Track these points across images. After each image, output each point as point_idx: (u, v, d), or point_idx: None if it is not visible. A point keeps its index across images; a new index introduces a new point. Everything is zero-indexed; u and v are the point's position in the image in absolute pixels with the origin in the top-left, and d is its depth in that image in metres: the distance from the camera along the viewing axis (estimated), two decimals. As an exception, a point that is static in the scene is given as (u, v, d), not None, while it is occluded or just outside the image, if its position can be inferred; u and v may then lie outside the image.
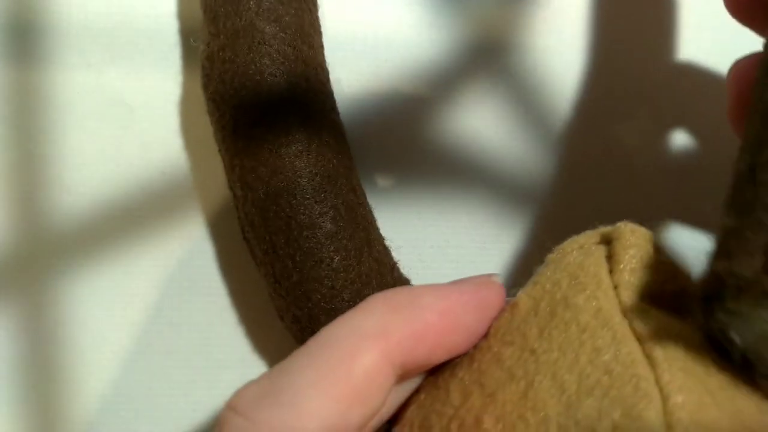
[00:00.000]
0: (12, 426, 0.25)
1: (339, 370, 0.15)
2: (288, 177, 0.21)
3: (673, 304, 0.17)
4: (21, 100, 0.26)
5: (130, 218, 0.26)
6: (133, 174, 0.26)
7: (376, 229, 0.24)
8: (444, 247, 0.27)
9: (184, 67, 0.26)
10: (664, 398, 0.14)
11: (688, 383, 0.14)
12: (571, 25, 0.28)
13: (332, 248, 0.22)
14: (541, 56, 0.27)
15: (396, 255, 0.24)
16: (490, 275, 0.18)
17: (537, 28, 0.27)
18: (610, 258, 0.17)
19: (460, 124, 0.27)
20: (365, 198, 0.24)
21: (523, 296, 0.17)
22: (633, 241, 0.17)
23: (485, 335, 0.17)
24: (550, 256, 0.18)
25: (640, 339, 0.15)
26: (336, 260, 0.22)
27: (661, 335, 0.15)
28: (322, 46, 0.24)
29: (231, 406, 0.15)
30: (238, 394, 0.15)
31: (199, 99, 0.26)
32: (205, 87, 0.23)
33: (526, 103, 0.27)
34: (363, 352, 0.15)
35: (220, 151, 0.23)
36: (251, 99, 0.22)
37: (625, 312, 0.16)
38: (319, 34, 0.24)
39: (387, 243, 0.24)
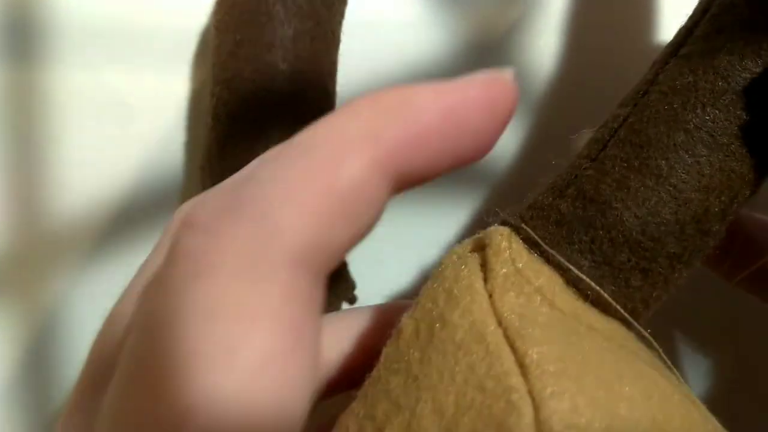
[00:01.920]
0: (11, 426, 0.25)
1: (319, 180, 0.12)
2: None
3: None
4: (20, 99, 0.26)
5: (129, 218, 0.26)
6: (133, 174, 0.26)
7: None
8: (444, 247, 0.27)
9: (184, 66, 0.26)
10: (536, 408, 0.13)
11: (561, 385, 0.14)
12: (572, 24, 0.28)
13: None
14: (541, 56, 0.27)
15: (394, 254, 0.24)
16: (500, 70, 0.15)
17: (537, 27, 0.27)
18: (484, 265, 0.17)
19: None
20: None
21: (405, 319, 0.16)
22: (504, 244, 0.17)
23: (377, 364, 0.16)
24: (432, 270, 0.17)
25: (513, 347, 0.15)
26: None
27: (535, 336, 0.15)
28: (336, 58, 0.24)
29: (186, 222, 0.12)
30: (194, 207, 0.13)
31: (199, 99, 0.26)
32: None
33: (526, 103, 0.27)
34: (348, 158, 0.12)
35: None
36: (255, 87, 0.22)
37: (501, 320, 0.15)
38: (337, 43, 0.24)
39: (385, 242, 0.24)
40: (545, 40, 0.27)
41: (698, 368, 0.27)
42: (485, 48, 0.27)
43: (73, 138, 0.26)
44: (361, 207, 0.13)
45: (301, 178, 0.12)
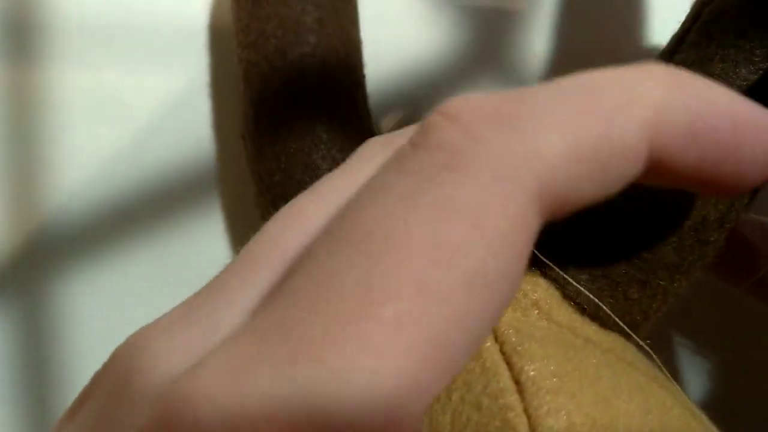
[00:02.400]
0: (10, 427, 0.25)
1: (595, 126, 0.11)
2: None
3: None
4: (18, 99, 0.26)
5: (127, 218, 0.26)
6: (131, 173, 0.26)
7: None
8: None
9: (183, 66, 0.26)
10: (532, 427, 0.13)
11: (558, 403, 0.14)
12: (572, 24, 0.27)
13: (320, 155, 0.21)
14: (540, 56, 0.27)
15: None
16: None
17: (538, 27, 0.27)
18: None
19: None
20: (370, 122, 0.23)
21: None
22: None
23: None
24: None
25: (510, 363, 0.15)
26: (322, 167, 0.21)
27: (531, 352, 0.15)
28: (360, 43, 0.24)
29: (448, 115, 0.12)
30: (460, 103, 0.12)
31: (198, 99, 0.26)
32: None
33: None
34: (629, 117, 0.12)
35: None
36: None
37: (497, 335, 0.15)
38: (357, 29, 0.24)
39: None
40: (545, 40, 0.27)
41: (697, 370, 0.27)
42: (486, 47, 0.27)
43: (72, 137, 0.26)
44: (617, 172, 0.12)
45: (579, 116, 0.12)
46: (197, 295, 0.13)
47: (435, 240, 0.10)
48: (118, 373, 0.12)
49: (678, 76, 0.12)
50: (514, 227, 0.11)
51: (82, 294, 0.26)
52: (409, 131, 0.13)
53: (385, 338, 0.10)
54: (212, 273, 0.26)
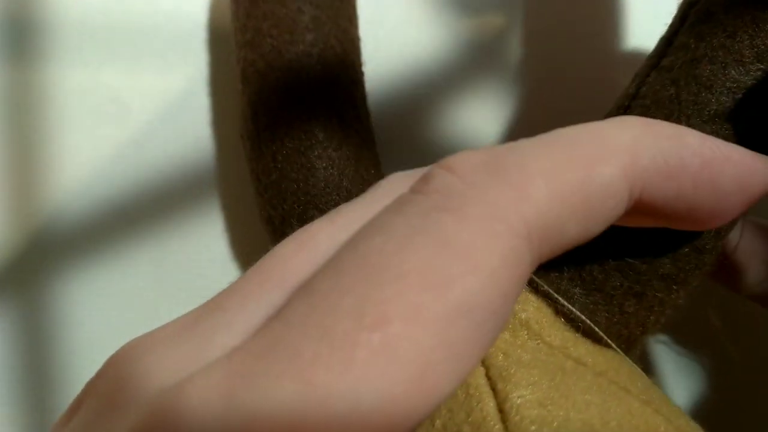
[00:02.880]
0: (10, 427, 0.25)
1: (577, 171, 0.13)
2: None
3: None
4: (17, 98, 0.26)
5: (127, 218, 0.26)
6: (130, 173, 0.26)
7: (371, 154, 0.23)
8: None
9: (182, 65, 0.26)
10: None
11: None
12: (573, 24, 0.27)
13: (316, 154, 0.21)
14: (542, 55, 0.27)
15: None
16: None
17: (539, 26, 0.27)
18: None
19: (461, 123, 0.27)
20: (368, 121, 0.23)
21: None
22: None
23: None
24: None
25: (495, 389, 0.14)
26: (318, 167, 0.21)
27: (518, 378, 0.14)
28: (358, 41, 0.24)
29: (446, 166, 0.13)
30: (456, 156, 0.13)
31: (198, 98, 0.26)
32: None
33: (527, 101, 0.27)
34: (607, 162, 0.13)
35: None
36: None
37: (484, 357, 0.15)
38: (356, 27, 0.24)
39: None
40: (544, 39, 0.27)
41: (696, 372, 0.27)
42: (486, 46, 0.27)
43: (71, 137, 0.26)
44: (600, 213, 0.13)
45: (561, 164, 0.13)
46: (197, 311, 0.13)
47: (427, 271, 0.11)
48: (111, 380, 0.12)
49: (647, 122, 0.14)
50: (503, 264, 0.12)
51: (82, 294, 0.26)
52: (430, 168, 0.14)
53: (372, 362, 0.10)
54: (212, 273, 0.26)
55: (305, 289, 0.12)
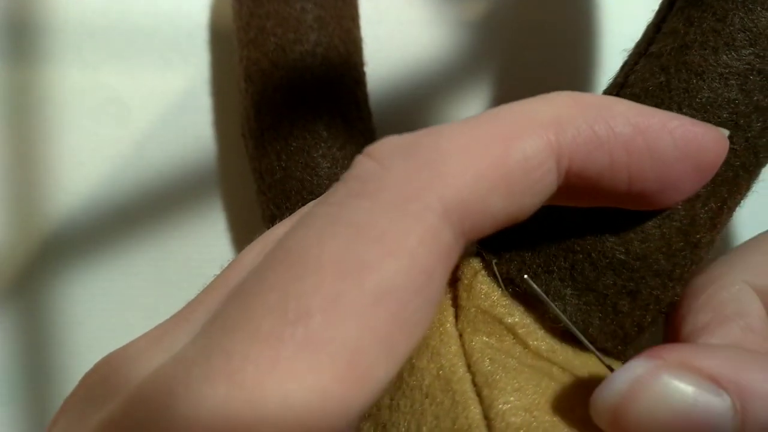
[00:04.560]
0: (10, 427, 0.25)
1: (494, 147, 0.13)
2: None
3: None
4: (17, 98, 0.26)
5: (127, 218, 0.26)
6: (130, 173, 0.26)
7: None
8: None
9: (182, 65, 0.26)
10: None
11: None
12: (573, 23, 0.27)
13: (320, 153, 0.21)
14: (543, 54, 0.27)
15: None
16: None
17: (539, 25, 0.27)
18: (455, 300, 0.16)
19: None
20: (371, 120, 0.23)
21: None
22: (476, 279, 0.16)
23: None
24: None
25: (481, 395, 0.14)
26: (322, 166, 0.21)
27: (504, 384, 0.14)
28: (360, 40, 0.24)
29: (367, 152, 0.13)
30: (378, 142, 0.13)
31: (198, 98, 0.26)
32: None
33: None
34: (528, 135, 0.13)
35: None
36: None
37: (470, 363, 0.15)
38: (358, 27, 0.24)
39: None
40: (548, 37, 0.27)
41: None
42: (487, 46, 0.27)
43: (71, 137, 0.26)
44: (525, 186, 0.13)
45: (478, 140, 0.13)
46: (167, 323, 0.14)
47: (343, 259, 0.11)
48: (96, 378, 0.13)
49: (573, 95, 0.14)
50: (420, 243, 0.12)
51: (82, 294, 0.26)
52: None
53: (298, 357, 0.11)
54: (212, 273, 0.26)
55: (238, 289, 0.12)
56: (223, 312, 0.12)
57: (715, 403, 0.13)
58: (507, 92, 0.27)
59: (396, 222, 0.12)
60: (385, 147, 0.13)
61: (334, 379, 0.11)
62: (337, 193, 0.13)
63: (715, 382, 0.13)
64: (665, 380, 0.13)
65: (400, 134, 0.13)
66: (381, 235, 0.12)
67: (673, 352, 0.14)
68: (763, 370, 0.14)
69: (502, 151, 0.13)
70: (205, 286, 0.14)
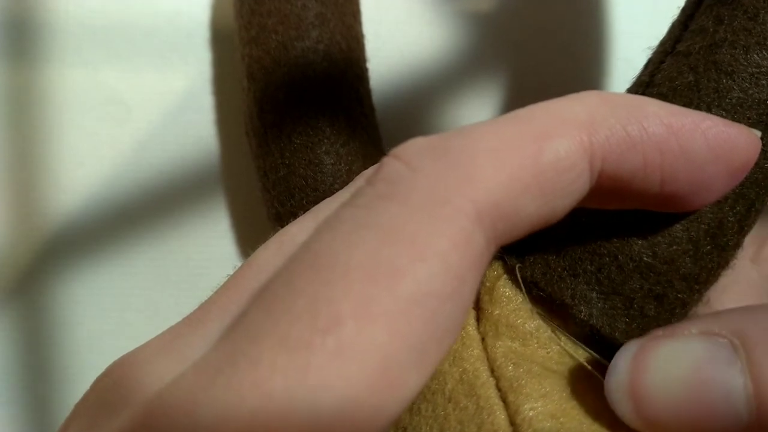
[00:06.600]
0: (10, 426, 0.25)
1: (525, 147, 0.12)
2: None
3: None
4: (17, 98, 0.26)
5: (126, 218, 0.26)
6: (130, 173, 0.26)
7: (377, 150, 0.23)
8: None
9: (182, 65, 0.26)
10: None
11: None
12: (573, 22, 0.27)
13: (323, 149, 0.21)
14: (545, 51, 0.27)
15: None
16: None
17: (539, 25, 0.27)
18: (477, 304, 0.16)
19: (462, 121, 0.27)
20: (373, 117, 0.23)
21: None
22: (498, 283, 0.16)
23: None
24: None
25: (506, 401, 0.14)
26: (326, 162, 0.21)
27: (529, 389, 0.14)
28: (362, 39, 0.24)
29: (394, 153, 0.13)
30: (406, 143, 0.13)
31: (199, 97, 0.26)
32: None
33: (527, 99, 0.27)
34: (559, 135, 0.13)
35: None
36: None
37: (493, 367, 0.15)
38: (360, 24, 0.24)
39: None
40: (544, 38, 0.27)
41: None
42: (487, 46, 0.27)
43: (71, 136, 0.26)
44: (558, 187, 0.13)
45: (509, 141, 0.12)
46: (180, 325, 0.13)
47: (374, 264, 0.11)
48: (108, 383, 0.13)
49: (603, 95, 0.14)
50: (453, 247, 0.11)
51: (82, 294, 0.26)
52: None
53: (329, 366, 0.10)
54: (213, 273, 0.26)
55: (262, 293, 0.12)
56: (246, 317, 0.12)
57: (718, 349, 0.13)
58: (509, 89, 0.27)
59: (427, 225, 0.11)
60: (413, 148, 0.13)
61: (365, 388, 0.10)
62: (365, 195, 0.12)
63: (712, 335, 0.13)
64: (664, 343, 0.13)
65: (426, 135, 0.13)
66: (412, 239, 0.11)
67: (665, 329, 0.14)
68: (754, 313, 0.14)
69: (535, 152, 0.12)
70: (218, 286, 0.14)
